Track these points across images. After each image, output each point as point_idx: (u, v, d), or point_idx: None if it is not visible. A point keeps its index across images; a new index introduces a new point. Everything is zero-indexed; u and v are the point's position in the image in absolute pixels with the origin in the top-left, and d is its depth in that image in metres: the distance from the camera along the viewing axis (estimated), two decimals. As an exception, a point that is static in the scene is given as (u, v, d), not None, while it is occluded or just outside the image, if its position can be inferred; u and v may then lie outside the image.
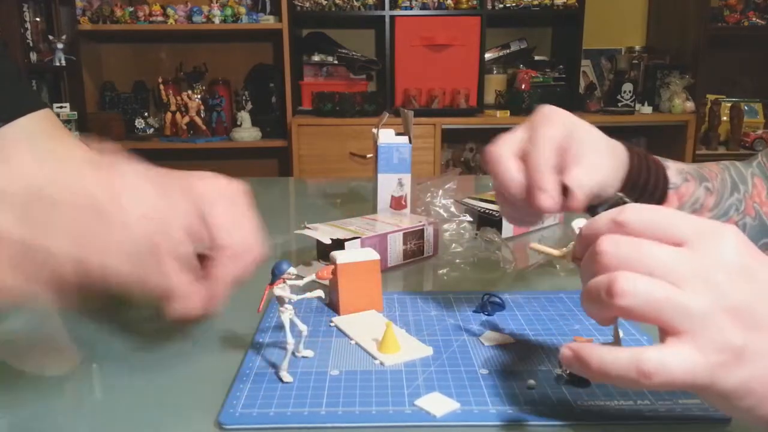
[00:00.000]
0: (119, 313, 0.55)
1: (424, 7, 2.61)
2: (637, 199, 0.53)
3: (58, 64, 2.43)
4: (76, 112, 2.43)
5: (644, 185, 0.54)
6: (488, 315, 0.52)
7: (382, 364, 0.44)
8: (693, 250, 0.31)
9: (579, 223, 0.40)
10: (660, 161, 0.57)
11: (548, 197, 0.44)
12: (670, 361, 0.30)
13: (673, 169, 0.57)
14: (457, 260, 0.70)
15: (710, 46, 2.56)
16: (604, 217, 0.35)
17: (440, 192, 0.80)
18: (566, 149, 0.46)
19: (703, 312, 0.30)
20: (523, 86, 2.59)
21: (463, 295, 0.57)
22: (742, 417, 0.32)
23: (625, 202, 0.43)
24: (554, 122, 0.47)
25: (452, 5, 2.61)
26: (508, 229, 0.77)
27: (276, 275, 0.42)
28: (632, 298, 0.31)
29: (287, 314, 0.42)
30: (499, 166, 0.47)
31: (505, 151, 0.47)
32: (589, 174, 0.46)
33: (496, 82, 2.73)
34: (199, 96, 2.69)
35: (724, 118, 2.72)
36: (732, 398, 0.31)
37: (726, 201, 0.59)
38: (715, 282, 0.31)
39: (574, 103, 2.68)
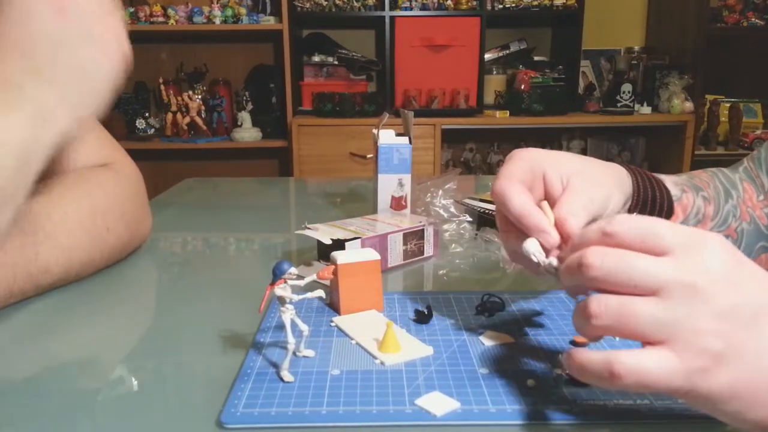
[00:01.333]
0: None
1: (424, 7, 2.61)
2: (650, 215, 0.53)
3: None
4: (76, 113, 2.42)
5: (653, 201, 0.53)
6: (489, 315, 0.53)
7: (382, 363, 0.44)
8: (677, 259, 0.32)
9: (530, 246, 0.42)
10: (657, 176, 0.57)
11: (551, 236, 0.42)
12: (645, 365, 0.31)
13: (669, 182, 0.57)
14: (457, 260, 0.70)
15: (709, 47, 2.56)
16: (595, 227, 0.35)
17: (440, 192, 0.80)
18: (533, 187, 0.45)
19: (679, 320, 0.31)
20: (522, 87, 2.59)
21: (463, 295, 0.57)
22: (730, 420, 0.32)
23: None
24: (518, 162, 0.46)
25: (452, 6, 2.61)
26: (507, 229, 0.77)
27: (277, 275, 0.42)
28: (605, 319, 0.32)
29: (288, 314, 0.43)
30: (506, 201, 0.43)
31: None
32: (573, 201, 0.44)
33: (495, 82, 2.73)
34: (199, 96, 2.69)
35: (723, 119, 2.72)
36: (716, 402, 0.31)
37: (723, 208, 0.59)
38: (696, 289, 0.31)
39: (574, 104, 2.68)
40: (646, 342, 0.32)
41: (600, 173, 0.48)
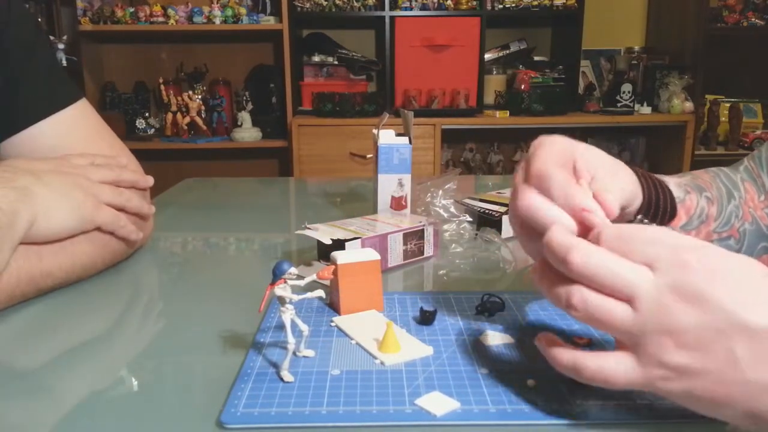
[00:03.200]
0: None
1: (424, 7, 2.61)
2: (653, 218, 0.53)
3: (58, 64, 2.43)
4: (76, 113, 2.42)
5: (657, 203, 0.53)
6: (489, 315, 0.53)
7: (382, 363, 0.44)
8: (657, 272, 0.34)
9: None
10: (660, 177, 0.56)
11: (596, 214, 0.40)
12: (606, 371, 0.34)
13: (672, 183, 0.57)
14: (457, 260, 0.70)
15: (709, 47, 2.56)
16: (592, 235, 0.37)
17: (440, 192, 0.80)
18: (572, 166, 0.44)
19: (646, 333, 0.33)
20: (522, 87, 2.59)
21: (463, 295, 0.57)
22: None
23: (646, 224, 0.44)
24: (551, 146, 0.45)
25: (452, 6, 2.61)
26: (507, 229, 0.78)
27: (277, 275, 0.42)
28: (582, 313, 0.35)
29: (288, 314, 0.43)
30: (539, 212, 0.42)
31: (532, 194, 0.43)
32: (612, 182, 0.44)
33: (495, 82, 2.73)
34: (199, 96, 2.69)
35: (723, 119, 2.72)
36: (679, 401, 0.34)
37: (726, 209, 0.59)
38: (666, 307, 0.33)
39: (574, 104, 2.68)
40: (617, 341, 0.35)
41: (623, 171, 0.48)
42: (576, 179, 0.43)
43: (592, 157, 0.46)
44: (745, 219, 0.59)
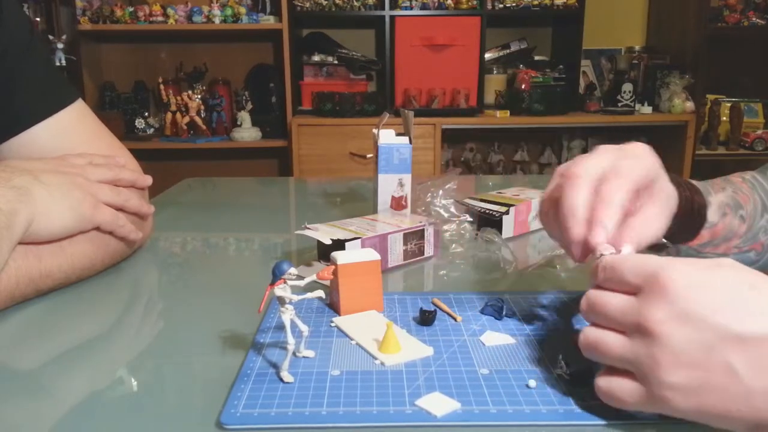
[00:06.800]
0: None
1: (424, 7, 2.61)
2: (670, 238, 0.54)
3: (58, 64, 2.43)
4: (76, 112, 2.42)
5: (679, 231, 0.54)
6: (497, 317, 0.52)
7: (382, 364, 0.44)
8: (641, 300, 0.35)
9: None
10: (704, 199, 0.55)
11: (603, 234, 0.42)
12: (614, 392, 0.36)
13: (715, 205, 0.56)
14: (457, 260, 0.70)
15: (710, 46, 2.56)
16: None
17: (440, 192, 0.80)
18: (640, 195, 0.45)
19: (640, 359, 0.34)
20: (523, 86, 2.59)
21: (463, 295, 0.57)
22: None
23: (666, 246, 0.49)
24: (644, 162, 0.46)
25: (452, 5, 2.61)
26: (508, 229, 0.77)
27: (276, 275, 0.42)
28: (587, 348, 0.38)
29: (288, 314, 0.42)
30: (573, 188, 0.44)
31: (586, 174, 0.45)
32: (646, 230, 0.45)
33: (496, 82, 2.72)
34: (199, 96, 2.69)
35: (724, 118, 2.72)
36: (693, 419, 0.34)
37: (756, 224, 0.59)
38: (652, 333, 0.34)
39: (574, 104, 2.68)
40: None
41: (666, 207, 0.47)
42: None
43: (666, 187, 0.47)
44: None
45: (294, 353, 0.43)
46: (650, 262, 0.36)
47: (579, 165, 0.45)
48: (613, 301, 0.37)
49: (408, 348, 0.46)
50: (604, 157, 0.46)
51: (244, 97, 2.71)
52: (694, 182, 0.57)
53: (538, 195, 0.84)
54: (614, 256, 0.39)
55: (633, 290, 0.36)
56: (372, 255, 0.54)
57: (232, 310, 0.55)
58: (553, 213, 0.47)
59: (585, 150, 2.91)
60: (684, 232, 0.56)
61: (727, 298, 0.33)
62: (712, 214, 0.56)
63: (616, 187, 0.43)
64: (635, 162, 0.45)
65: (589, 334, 0.38)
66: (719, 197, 0.58)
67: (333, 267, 0.52)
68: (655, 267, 0.35)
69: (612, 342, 0.36)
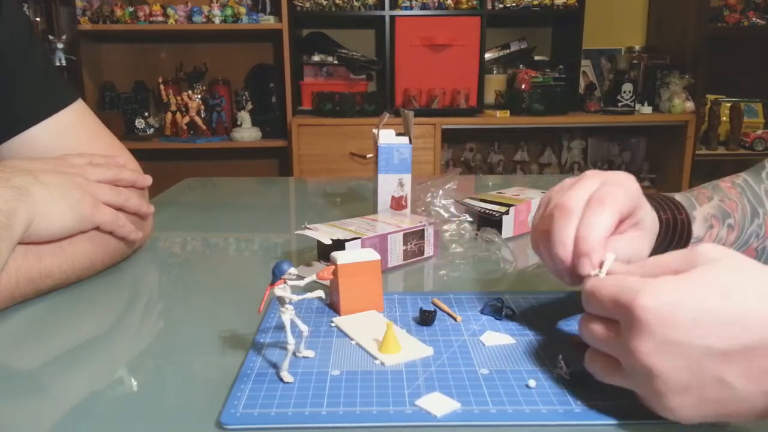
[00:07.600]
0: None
1: (424, 7, 2.61)
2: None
3: (58, 64, 2.43)
4: (76, 112, 2.42)
5: (665, 250, 0.53)
6: (498, 318, 0.52)
7: (382, 364, 0.44)
8: (624, 333, 0.36)
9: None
10: (688, 215, 0.56)
11: (589, 265, 0.43)
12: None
13: (699, 219, 0.56)
14: (457, 260, 0.70)
15: (710, 46, 2.56)
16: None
17: (440, 192, 0.80)
18: (622, 223, 0.46)
19: (634, 385, 0.36)
20: (523, 86, 2.59)
21: (463, 295, 0.57)
22: None
23: None
24: (628, 190, 0.46)
25: (452, 5, 2.61)
26: (508, 229, 0.77)
27: (276, 275, 0.42)
28: (591, 367, 0.39)
29: (288, 314, 0.42)
30: (562, 221, 0.45)
31: (576, 206, 0.45)
32: (630, 244, 0.46)
33: (496, 82, 2.73)
34: (199, 96, 2.69)
35: (724, 118, 2.72)
36: (705, 421, 0.35)
37: (746, 231, 0.59)
38: (634, 366, 0.35)
39: (574, 104, 2.68)
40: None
41: (648, 234, 0.48)
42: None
43: (648, 216, 0.48)
44: (766, 236, 0.59)
45: (294, 353, 0.43)
46: (625, 287, 0.36)
47: (567, 196, 0.45)
48: (600, 333, 0.38)
49: (408, 348, 0.46)
50: (589, 183, 0.46)
51: (244, 97, 2.71)
52: (678, 197, 0.57)
53: (538, 195, 0.84)
54: (595, 281, 0.39)
55: (614, 317, 0.37)
56: (372, 255, 0.54)
57: (232, 310, 0.55)
58: (544, 243, 0.47)
59: (585, 150, 2.92)
60: (670, 250, 0.55)
61: (701, 316, 0.33)
62: (697, 228, 0.56)
63: (598, 214, 0.44)
64: (619, 189, 0.45)
65: (593, 361, 0.39)
66: (704, 209, 0.57)
67: (333, 267, 0.52)
68: (629, 298, 0.35)
69: (613, 371, 0.38)
